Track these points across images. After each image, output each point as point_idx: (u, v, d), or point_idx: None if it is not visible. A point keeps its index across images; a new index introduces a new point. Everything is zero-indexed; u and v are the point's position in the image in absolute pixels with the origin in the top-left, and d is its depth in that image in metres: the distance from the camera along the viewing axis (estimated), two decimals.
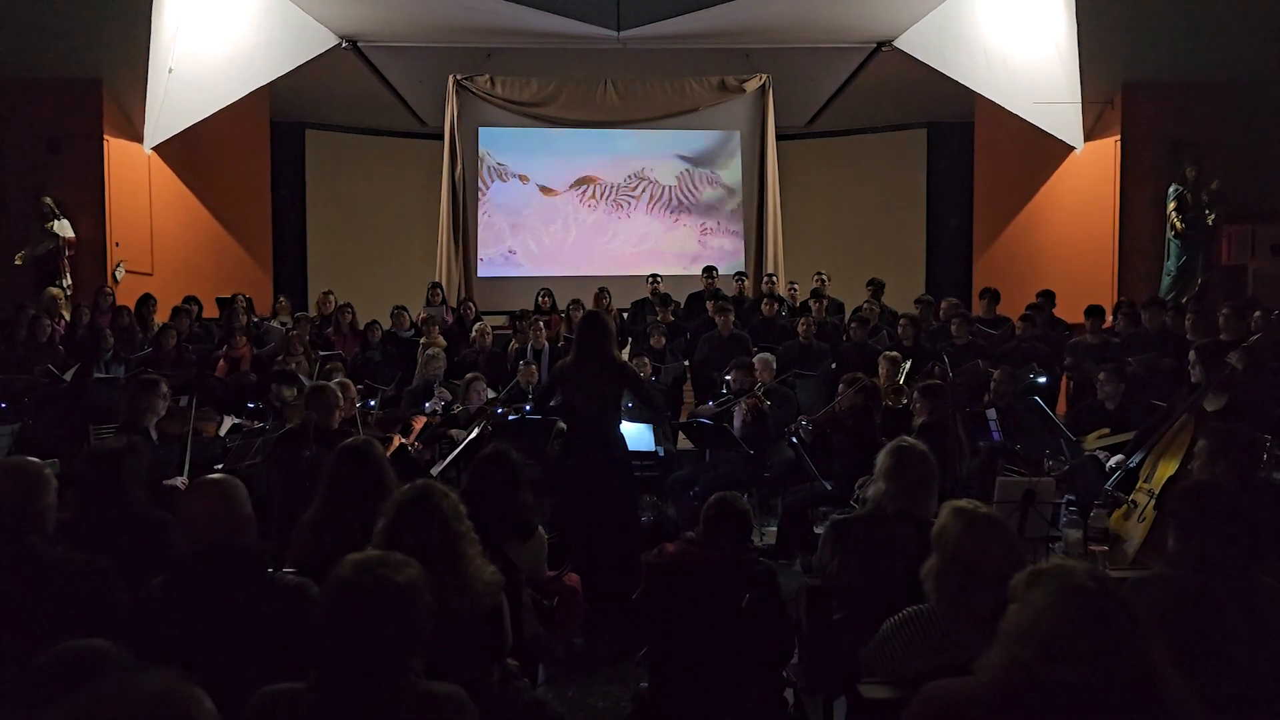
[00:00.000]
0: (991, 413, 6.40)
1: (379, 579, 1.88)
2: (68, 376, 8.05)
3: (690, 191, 13.71)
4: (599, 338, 5.31)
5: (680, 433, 7.59)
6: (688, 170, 13.68)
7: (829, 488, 6.12)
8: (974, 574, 2.32)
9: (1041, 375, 7.17)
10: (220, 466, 5.65)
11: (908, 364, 7.60)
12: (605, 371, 5.30)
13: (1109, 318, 9.11)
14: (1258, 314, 7.14)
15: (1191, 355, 5.42)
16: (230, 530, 2.51)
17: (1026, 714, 1.68)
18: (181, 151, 11.54)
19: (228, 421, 6.57)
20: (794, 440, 6.51)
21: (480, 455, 3.53)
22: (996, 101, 11.47)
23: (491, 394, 7.32)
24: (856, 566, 3.15)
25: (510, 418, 6.56)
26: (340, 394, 5.28)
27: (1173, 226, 10.30)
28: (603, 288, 10.74)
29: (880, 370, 7.27)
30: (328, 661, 1.84)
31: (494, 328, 9.94)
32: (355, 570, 1.90)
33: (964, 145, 13.98)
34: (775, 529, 6.50)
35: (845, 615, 3.12)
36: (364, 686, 1.84)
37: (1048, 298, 9.67)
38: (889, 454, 3.27)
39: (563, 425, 5.92)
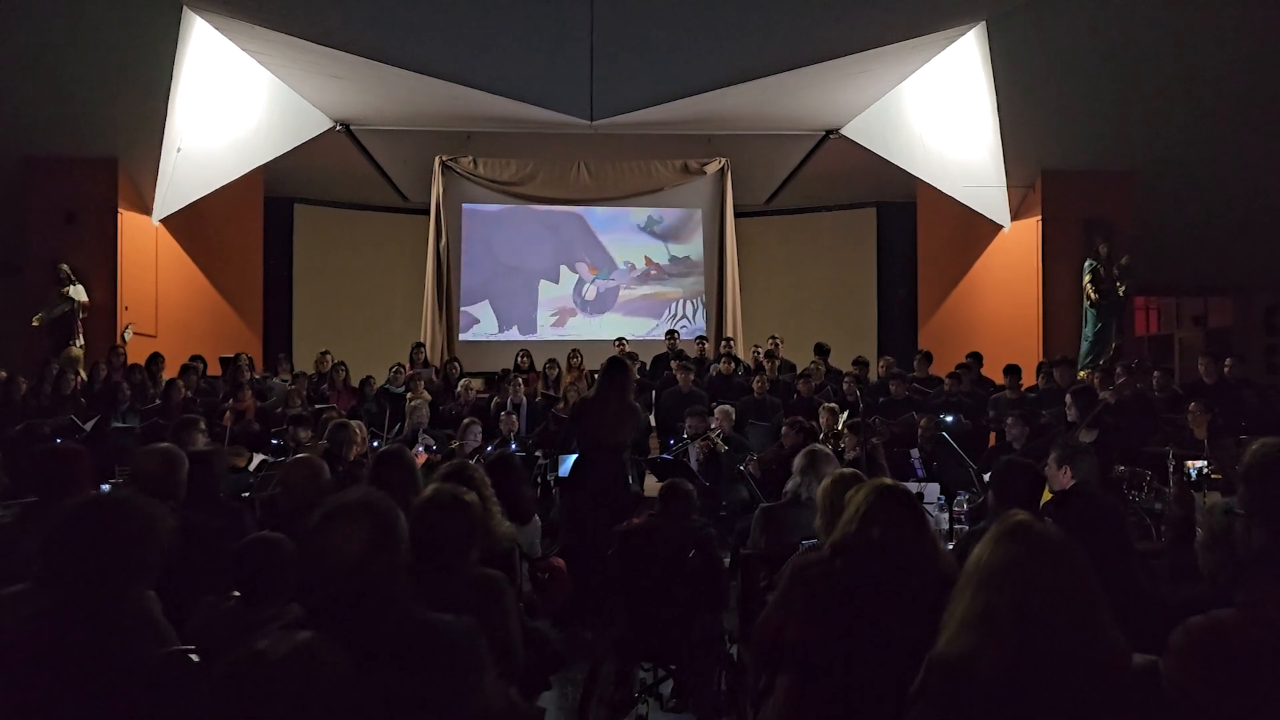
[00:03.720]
0: (915, 452, 7.43)
1: (453, 496, 2.82)
2: (88, 426, 8.86)
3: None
4: (622, 381, 6.16)
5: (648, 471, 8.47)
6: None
7: None
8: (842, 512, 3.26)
9: (949, 417, 8.19)
10: (247, 495, 6.49)
11: (845, 414, 8.58)
12: (622, 411, 6.13)
13: (1031, 376, 10.15)
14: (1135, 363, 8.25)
15: (1067, 398, 6.44)
16: (317, 493, 3.45)
17: (847, 565, 2.61)
18: (185, 223, 12.38)
19: (256, 458, 7.41)
20: (740, 470, 7.45)
21: (491, 457, 4.46)
22: (933, 184, 12.58)
23: None
24: (778, 541, 4.10)
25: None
26: (356, 431, 6.20)
27: (1088, 297, 11.40)
28: (575, 349, 11.71)
29: (820, 420, 8.24)
30: (419, 549, 2.74)
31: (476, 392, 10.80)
32: (435, 492, 2.84)
33: (909, 223, 14.97)
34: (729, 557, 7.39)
35: (770, 581, 4.04)
36: (442, 564, 2.75)
37: (975, 359, 10.70)
38: (803, 456, 4.26)
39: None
